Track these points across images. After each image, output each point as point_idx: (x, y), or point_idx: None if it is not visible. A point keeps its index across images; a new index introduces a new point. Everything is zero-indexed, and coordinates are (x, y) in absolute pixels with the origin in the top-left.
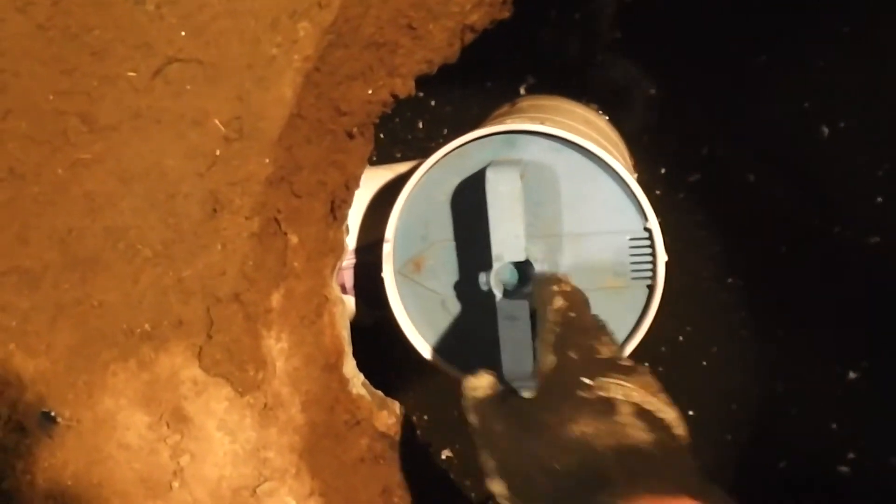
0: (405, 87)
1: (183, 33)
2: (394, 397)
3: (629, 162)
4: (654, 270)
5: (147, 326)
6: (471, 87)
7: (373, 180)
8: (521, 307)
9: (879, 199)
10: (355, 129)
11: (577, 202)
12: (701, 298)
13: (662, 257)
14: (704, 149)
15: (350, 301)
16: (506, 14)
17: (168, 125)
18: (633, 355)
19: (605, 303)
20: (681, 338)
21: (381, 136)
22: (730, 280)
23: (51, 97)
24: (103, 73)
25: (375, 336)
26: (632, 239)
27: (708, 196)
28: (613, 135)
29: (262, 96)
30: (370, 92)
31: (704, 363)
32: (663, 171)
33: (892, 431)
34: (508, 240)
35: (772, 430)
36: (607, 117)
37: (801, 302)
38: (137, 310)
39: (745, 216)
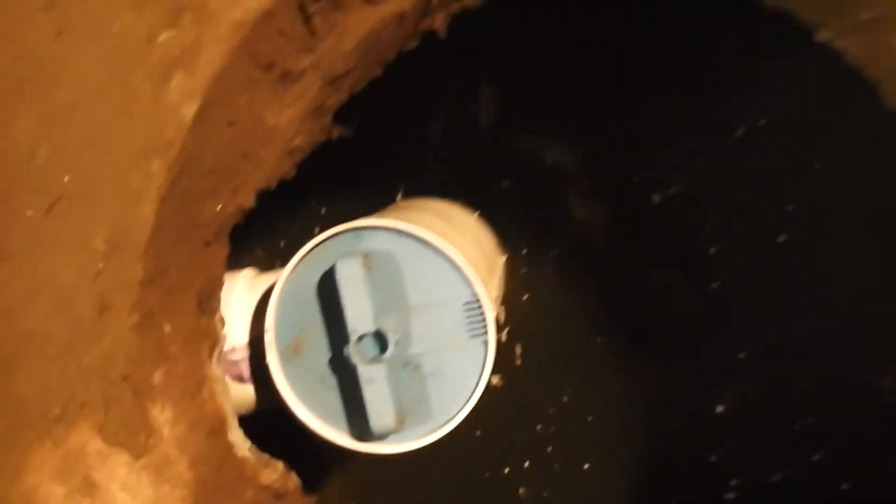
0: (248, 202)
1: (66, 178)
2: (308, 468)
3: (487, 244)
4: (486, 327)
5: (57, 410)
6: (359, 191)
7: (260, 285)
8: (379, 371)
9: (713, 250)
10: (211, 238)
11: (418, 279)
12: (578, 361)
13: (491, 315)
14: (560, 226)
15: (249, 389)
16: (327, 135)
17: (61, 248)
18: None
19: (452, 359)
20: (565, 398)
21: (282, 244)
22: (599, 340)
23: None
24: (7, 212)
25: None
26: (465, 304)
27: (569, 267)
28: (469, 222)
29: (129, 218)
30: (219, 208)
31: (589, 418)
32: (525, 251)
33: (765, 452)
34: (359, 316)
35: (661, 469)
36: (477, 212)
37: (664, 350)
38: (49, 397)
39: (602, 281)
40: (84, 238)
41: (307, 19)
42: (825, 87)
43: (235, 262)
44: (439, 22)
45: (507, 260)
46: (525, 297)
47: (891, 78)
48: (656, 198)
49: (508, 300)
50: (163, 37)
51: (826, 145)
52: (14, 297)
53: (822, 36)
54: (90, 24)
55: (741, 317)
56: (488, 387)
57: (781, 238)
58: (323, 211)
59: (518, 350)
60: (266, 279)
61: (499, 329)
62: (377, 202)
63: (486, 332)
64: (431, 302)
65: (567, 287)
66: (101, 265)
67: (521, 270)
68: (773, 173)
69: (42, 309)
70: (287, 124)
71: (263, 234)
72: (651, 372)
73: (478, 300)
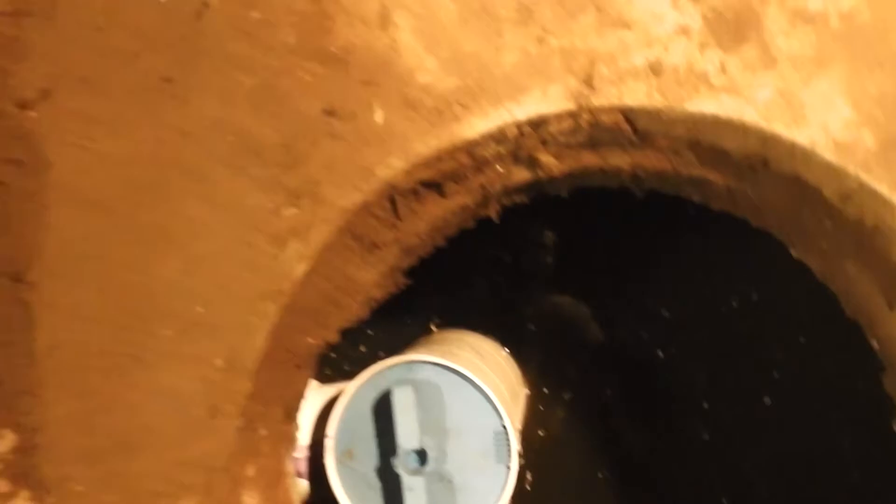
0: (333, 338)
1: (199, 309)
2: None
3: (513, 378)
4: (510, 455)
5: (166, 489)
6: (400, 322)
7: (322, 394)
8: (419, 482)
9: (706, 405)
10: (301, 363)
11: (457, 407)
12: (581, 491)
13: (515, 447)
14: (571, 372)
15: (305, 484)
16: (397, 288)
17: (187, 363)
18: None
19: (477, 479)
20: None
21: (333, 355)
22: (600, 475)
23: (115, 346)
24: (149, 331)
25: None
26: (494, 432)
27: (579, 409)
28: (498, 358)
29: (245, 345)
30: (310, 340)
31: None
32: (545, 390)
33: None
34: (407, 434)
35: None
36: (506, 350)
37: (658, 487)
38: (159, 477)
39: (608, 423)
40: (206, 356)
41: (394, 207)
42: (797, 291)
43: None
44: (493, 211)
45: (528, 395)
46: (540, 432)
47: (846, 293)
48: (660, 353)
49: (526, 433)
50: (286, 212)
51: (795, 335)
52: (142, 396)
53: (796, 253)
54: (230, 197)
55: (725, 465)
56: None
57: (766, 400)
58: (370, 332)
59: (529, 476)
60: (327, 390)
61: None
62: (417, 331)
63: (510, 459)
64: (466, 427)
65: (576, 427)
66: (217, 378)
67: (538, 407)
68: (759, 347)
69: (163, 408)
70: (369, 280)
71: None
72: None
73: (506, 430)
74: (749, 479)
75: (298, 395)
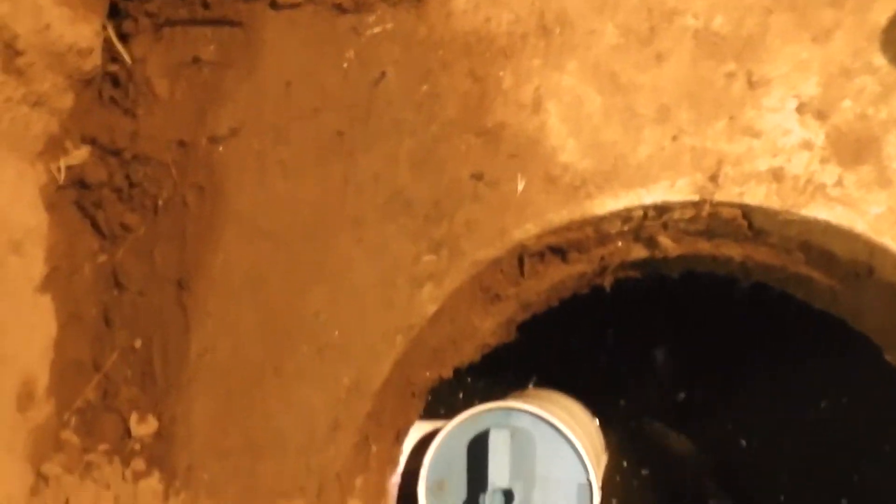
0: (447, 374)
1: (336, 333)
2: None
3: (598, 442)
4: None
5: (284, 488)
6: (496, 377)
7: (419, 430)
8: None
9: (782, 498)
10: (417, 392)
11: (547, 456)
12: None
13: (597, 499)
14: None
15: None
16: (510, 338)
17: (319, 379)
18: None
19: None
20: None
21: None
22: None
23: (259, 358)
24: (290, 347)
25: None
26: (579, 485)
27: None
28: (587, 420)
29: (371, 370)
30: (428, 374)
31: None
32: (624, 463)
33: None
34: (498, 473)
35: None
36: (590, 413)
37: None
38: (280, 480)
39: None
40: (336, 375)
41: (521, 266)
42: (887, 395)
43: None
44: (607, 281)
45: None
46: (613, 500)
47: None
48: (743, 443)
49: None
50: (425, 259)
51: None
52: (277, 405)
53: (890, 357)
54: (379, 241)
55: None
56: None
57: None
58: (469, 380)
59: None
60: (424, 426)
61: None
62: (513, 385)
63: None
64: (553, 477)
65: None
66: (342, 396)
67: (615, 478)
68: (841, 450)
69: (294, 418)
70: (487, 328)
71: None
72: None
73: (590, 484)
74: None
75: (409, 422)
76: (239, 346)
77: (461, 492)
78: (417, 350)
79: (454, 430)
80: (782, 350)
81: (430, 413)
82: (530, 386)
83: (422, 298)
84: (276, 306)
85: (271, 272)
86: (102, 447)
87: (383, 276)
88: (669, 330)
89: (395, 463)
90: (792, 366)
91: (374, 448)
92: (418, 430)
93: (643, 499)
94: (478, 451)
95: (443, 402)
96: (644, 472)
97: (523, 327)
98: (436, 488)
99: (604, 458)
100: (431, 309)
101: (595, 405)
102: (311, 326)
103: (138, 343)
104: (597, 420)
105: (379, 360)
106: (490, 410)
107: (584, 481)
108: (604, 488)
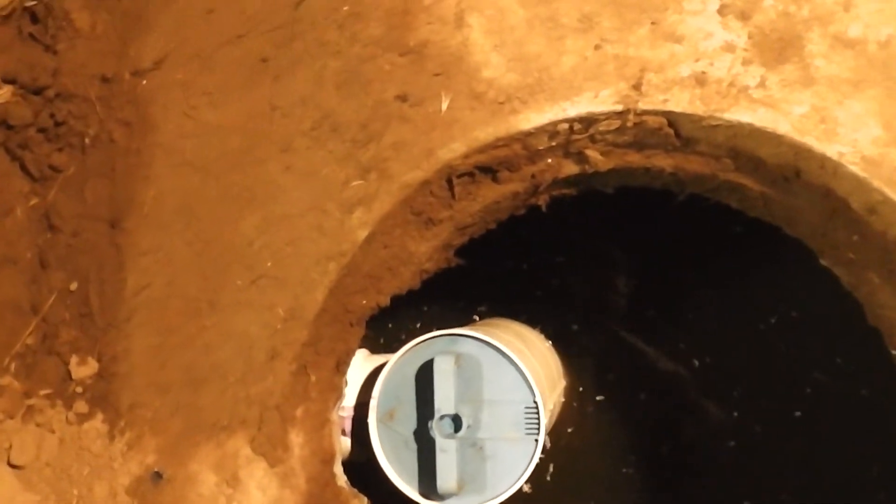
0: (385, 301)
1: (269, 263)
2: None
3: (554, 367)
4: (538, 429)
5: (225, 422)
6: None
7: (371, 362)
8: (451, 445)
9: (735, 414)
10: (354, 321)
11: (493, 380)
12: (598, 487)
13: (544, 421)
14: (610, 375)
15: (348, 441)
16: (448, 264)
17: (255, 310)
18: None
19: (507, 449)
20: None
21: (389, 325)
22: (624, 470)
23: (194, 291)
24: (225, 280)
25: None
26: (525, 408)
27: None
28: (540, 346)
29: (306, 298)
30: (364, 302)
31: None
32: (581, 388)
33: None
34: (444, 400)
35: None
36: (549, 342)
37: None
38: (221, 411)
39: (635, 426)
40: (271, 306)
41: (451, 188)
42: (826, 299)
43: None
44: (542, 200)
45: (567, 387)
46: (569, 429)
47: (869, 303)
48: (695, 363)
49: (555, 429)
50: (354, 183)
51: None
52: (215, 337)
53: (825, 262)
54: (308, 167)
55: (748, 473)
56: (520, 491)
57: (797, 413)
58: (425, 308)
59: (551, 468)
60: (375, 359)
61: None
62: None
63: (538, 433)
64: (500, 400)
65: (605, 427)
66: (279, 326)
67: (573, 404)
68: (794, 364)
69: (232, 349)
70: (423, 253)
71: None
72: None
73: (536, 406)
74: (773, 484)
75: (349, 351)
76: (174, 280)
77: (411, 420)
78: (351, 277)
79: (402, 360)
80: (728, 267)
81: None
82: (479, 317)
83: (352, 224)
84: (210, 238)
85: (203, 204)
86: (44, 391)
87: (313, 202)
88: (617, 251)
89: (337, 392)
90: (739, 282)
91: (312, 377)
92: (371, 362)
93: (598, 421)
94: (425, 379)
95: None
96: (600, 397)
97: (472, 254)
98: (386, 418)
99: (561, 384)
100: (362, 234)
101: (550, 330)
102: (244, 257)
103: (74, 285)
104: (550, 343)
105: (313, 288)
106: (435, 338)
107: (532, 403)
108: (562, 414)
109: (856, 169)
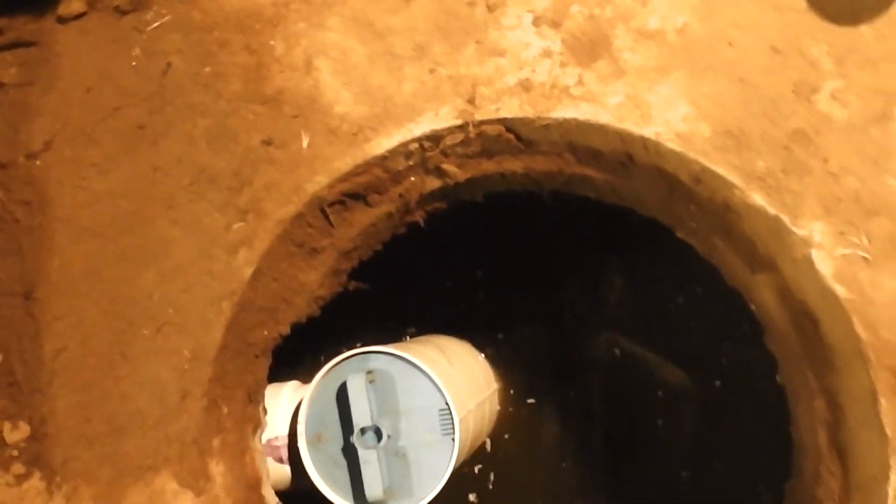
0: (285, 330)
1: (170, 310)
2: None
3: (480, 374)
4: (453, 428)
5: (149, 462)
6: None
7: (300, 392)
8: (373, 455)
9: (660, 394)
10: (259, 353)
11: (407, 390)
12: (538, 490)
13: (457, 420)
14: (537, 378)
15: (287, 469)
16: (341, 288)
17: (163, 355)
18: None
19: (428, 452)
20: None
21: (322, 358)
22: (564, 465)
23: (106, 347)
24: (132, 332)
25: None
26: (439, 410)
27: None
28: (465, 355)
29: (206, 338)
30: (265, 333)
31: None
32: (511, 391)
33: None
34: (362, 414)
35: None
36: (482, 355)
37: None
38: (145, 453)
39: (568, 424)
40: (177, 349)
41: (326, 216)
42: (688, 268)
43: (287, 375)
44: (419, 217)
45: (500, 391)
46: (506, 435)
47: (723, 266)
48: (617, 351)
49: (493, 436)
50: (235, 226)
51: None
52: (131, 386)
53: (680, 235)
54: (192, 219)
55: (680, 447)
56: (465, 500)
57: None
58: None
59: (491, 477)
60: (305, 388)
61: (482, 460)
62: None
63: (453, 432)
64: (415, 407)
65: (539, 430)
66: (186, 367)
67: (508, 409)
68: (705, 338)
69: (147, 395)
70: (313, 281)
71: (307, 356)
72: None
73: (448, 407)
74: (705, 453)
75: (259, 381)
76: (87, 340)
77: (338, 439)
78: (245, 312)
79: (320, 385)
80: (626, 256)
81: None
82: (407, 338)
83: (238, 264)
84: (114, 296)
85: (104, 266)
86: None
87: (201, 249)
88: (525, 256)
89: (254, 421)
90: (639, 269)
91: (224, 409)
92: (300, 392)
93: (531, 425)
94: (344, 398)
95: None
96: (530, 400)
97: (397, 279)
98: (315, 441)
99: (492, 387)
100: (248, 272)
101: (482, 341)
102: (147, 308)
103: (0, 357)
104: (482, 355)
105: (210, 328)
106: (348, 358)
107: (444, 405)
108: (499, 419)
109: (673, 145)
